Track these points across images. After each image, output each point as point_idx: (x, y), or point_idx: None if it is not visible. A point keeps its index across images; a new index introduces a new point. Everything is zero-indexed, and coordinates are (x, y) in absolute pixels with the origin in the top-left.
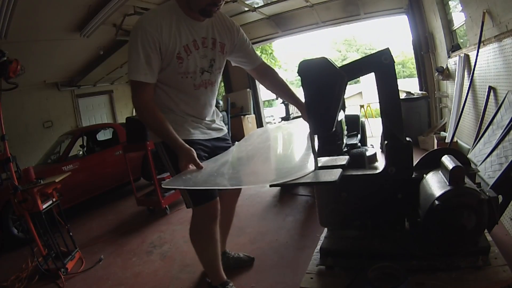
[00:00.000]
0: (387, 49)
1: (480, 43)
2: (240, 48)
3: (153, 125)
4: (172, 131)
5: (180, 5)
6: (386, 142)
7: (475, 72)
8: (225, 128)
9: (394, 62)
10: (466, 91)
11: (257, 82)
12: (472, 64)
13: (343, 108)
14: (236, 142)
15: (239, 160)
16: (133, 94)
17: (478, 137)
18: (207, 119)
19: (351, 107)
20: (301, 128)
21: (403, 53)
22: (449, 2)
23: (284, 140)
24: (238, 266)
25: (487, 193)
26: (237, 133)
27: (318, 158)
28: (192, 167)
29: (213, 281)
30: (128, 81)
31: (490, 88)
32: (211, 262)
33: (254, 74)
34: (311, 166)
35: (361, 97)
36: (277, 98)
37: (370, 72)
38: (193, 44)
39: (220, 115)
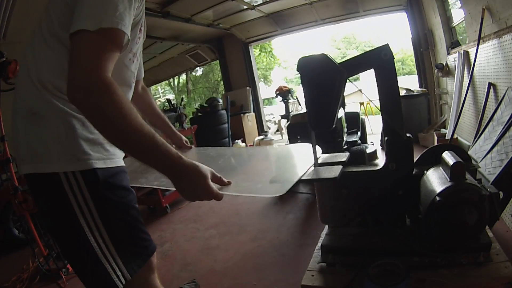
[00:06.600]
0: (387, 45)
1: (480, 39)
2: None
3: (128, 124)
4: (163, 140)
5: None
6: (386, 138)
7: (474, 68)
8: None
9: (394, 57)
10: (466, 88)
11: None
12: (472, 60)
13: (343, 106)
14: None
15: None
16: (90, 56)
17: (478, 134)
18: None
19: (351, 104)
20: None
21: (403, 50)
22: None
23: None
24: None
25: (488, 189)
26: (237, 132)
27: (318, 156)
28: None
29: None
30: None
31: (490, 84)
32: None
33: None
34: (311, 163)
35: (361, 95)
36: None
37: (370, 68)
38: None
39: None
